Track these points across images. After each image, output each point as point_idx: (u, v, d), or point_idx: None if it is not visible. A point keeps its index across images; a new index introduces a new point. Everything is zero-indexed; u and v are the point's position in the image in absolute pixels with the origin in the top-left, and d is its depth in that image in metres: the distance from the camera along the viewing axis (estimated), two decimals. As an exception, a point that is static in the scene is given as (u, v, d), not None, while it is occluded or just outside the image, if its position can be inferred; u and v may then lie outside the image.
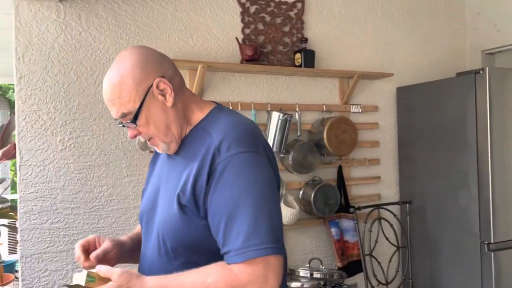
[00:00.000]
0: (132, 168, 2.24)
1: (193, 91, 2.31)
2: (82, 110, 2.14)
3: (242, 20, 2.54)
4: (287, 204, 2.56)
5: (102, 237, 1.23)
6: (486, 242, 2.40)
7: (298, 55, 2.59)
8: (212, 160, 1.01)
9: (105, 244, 1.20)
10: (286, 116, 2.49)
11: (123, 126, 1.12)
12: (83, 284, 1.01)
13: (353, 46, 2.90)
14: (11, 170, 5.35)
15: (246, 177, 1.00)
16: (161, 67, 1.10)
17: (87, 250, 1.19)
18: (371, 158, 2.92)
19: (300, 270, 2.42)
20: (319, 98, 2.75)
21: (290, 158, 2.52)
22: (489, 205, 2.38)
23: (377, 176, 2.95)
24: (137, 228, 1.38)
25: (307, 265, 2.49)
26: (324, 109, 2.73)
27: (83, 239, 1.21)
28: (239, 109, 2.48)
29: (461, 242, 2.55)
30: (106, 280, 1.02)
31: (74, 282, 1.03)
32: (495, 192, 2.39)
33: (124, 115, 1.09)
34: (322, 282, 2.35)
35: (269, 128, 2.50)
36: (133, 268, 1.13)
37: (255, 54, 2.43)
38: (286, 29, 2.66)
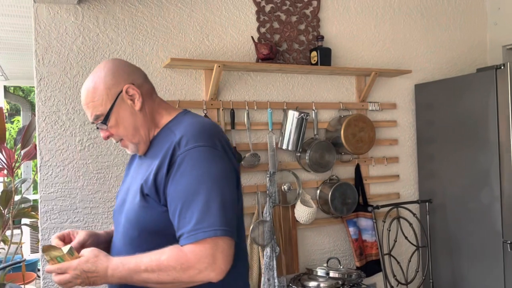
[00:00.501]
0: (150, 168, 2.25)
1: (209, 91, 2.33)
2: (100, 110, 2.17)
3: (258, 19, 2.53)
4: (304, 203, 2.54)
5: (76, 230, 1.35)
6: (509, 241, 2.34)
7: (314, 53, 2.57)
8: (172, 153, 1.13)
9: (80, 236, 1.31)
10: (302, 114, 2.48)
11: (97, 128, 1.25)
12: (60, 254, 1.14)
13: (370, 43, 2.87)
14: (33, 170, 5.47)
15: (201, 168, 1.10)
16: (131, 76, 1.25)
17: (62, 241, 1.29)
18: (389, 156, 2.88)
19: (317, 270, 2.41)
20: (336, 96, 2.73)
21: (307, 157, 2.51)
22: (512, 204, 2.32)
23: (395, 174, 2.91)
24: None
25: (325, 265, 2.48)
26: (341, 107, 2.71)
27: (59, 232, 1.34)
28: (255, 108, 2.48)
29: (483, 241, 2.50)
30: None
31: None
32: (518, 190, 2.33)
33: (97, 117, 1.23)
34: (340, 282, 2.33)
35: (285, 127, 2.49)
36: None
37: (271, 53, 2.42)
38: (302, 27, 2.65)
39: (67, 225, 2.09)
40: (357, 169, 2.75)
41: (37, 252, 4.36)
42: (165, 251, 1.09)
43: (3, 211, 2.57)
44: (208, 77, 2.35)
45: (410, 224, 2.66)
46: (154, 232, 1.17)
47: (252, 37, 2.48)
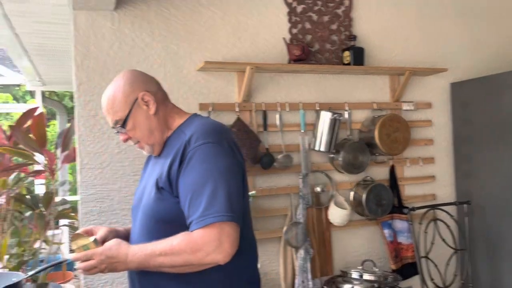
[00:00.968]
0: (184, 170, 2.28)
1: (241, 93, 2.34)
2: (136, 114, 2.21)
3: (289, 20, 2.53)
4: (338, 205, 2.52)
5: (98, 226, 1.45)
6: (555, 245, 2.25)
7: (346, 53, 2.55)
8: (184, 149, 1.25)
9: (101, 232, 1.41)
10: (335, 115, 2.46)
11: (117, 132, 1.39)
12: (86, 242, 1.27)
13: (403, 42, 2.81)
14: (69, 173, 5.65)
15: (209, 162, 1.22)
16: (146, 84, 1.39)
17: (88, 232, 1.39)
18: (425, 157, 2.82)
19: (352, 272, 2.38)
20: (369, 96, 2.69)
21: (340, 158, 2.48)
22: (558, 206, 2.23)
23: (431, 175, 2.84)
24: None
25: (360, 267, 2.44)
26: (375, 107, 2.67)
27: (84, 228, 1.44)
28: (287, 110, 2.47)
29: (526, 244, 2.41)
30: None
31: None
32: None
33: (116, 122, 1.36)
34: (376, 285, 2.29)
35: (318, 128, 2.48)
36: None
37: (303, 54, 2.41)
38: (334, 27, 2.63)
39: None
40: (392, 170, 2.70)
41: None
42: (177, 237, 1.20)
43: (45, 212, 2.66)
44: (241, 79, 2.36)
45: (448, 227, 2.59)
46: (168, 222, 1.28)
47: (284, 38, 2.47)
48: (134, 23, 2.23)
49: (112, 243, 1.27)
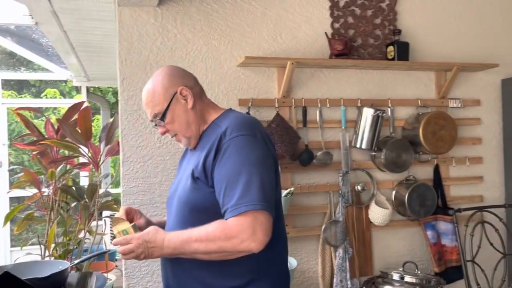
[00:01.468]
0: (223, 165, 2.29)
1: (281, 88, 2.32)
2: (177, 109, 2.24)
3: (331, 15, 2.48)
4: (379, 204, 2.45)
5: (140, 213, 1.51)
6: None
7: (390, 48, 2.47)
8: (219, 141, 1.29)
9: (140, 220, 1.48)
10: (378, 112, 2.39)
11: (156, 125, 1.44)
12: (126, 226, 1.33)
13: (451, 36, 2.70)
14: (111, 166, 5.82)
15: (243, 154, 1.25)
16: (184, 79, 1.44)
17: (128, 214, 1.47)
18: (472, 157, 2.69)
19: (393, 273, 2.31)
20: (414, 93, 2.60)
21: (382, 156, 2.42)
22: None
23: (479, 176, 2.72)
24: (165, 218, 1.61)
25: (401, 269, 2.37)
26: (419, 104, 2.57)
27: (128, 206, 1.51)
28: (328, 106, 2.43)
29: None
30: None
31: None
32: None
33: (155, 115, 1.41)
34: (418, 287, 2.22)
35: (360, 124, 2.42)
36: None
37: (345, 49, 2.36)
38: (378, 21, 2.55)
39: (146, 219, 2.17)
40: (436, 170, 2.60)
41: (115, 243, 4.61)
42: (212, 224, 1.24)
43: (89, 204, 2.75)
44: (281, 74, 2.34)
45: (496, 230, 2.47)
46: (202, 211, 1.31)
47: (325, 33, 2.43)
48: (176, 19, 2.26)
49: (150, 229, 1.31)
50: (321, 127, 2.41)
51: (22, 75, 5.70)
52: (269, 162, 1.30)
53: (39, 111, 3.84)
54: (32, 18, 2.90)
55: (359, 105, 2.46)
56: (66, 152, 2.87)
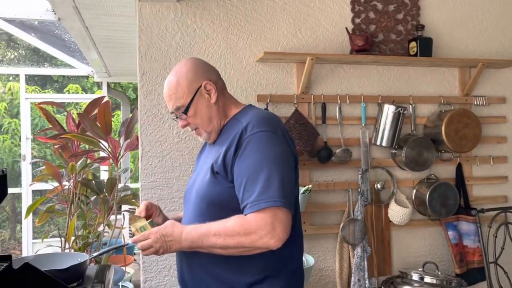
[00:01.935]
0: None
1: (300, 84, 2.29)
2: (196, 104, 2.24)
3: (352, 10, 2.44)
4: (399, 203, 2.41)
5: (159, 210, 1.52)
6: None
7: (413, 44, 2.42)
8: (240, 136, 1.28)
9: (159, 218, 1.49)
10: (399, 109, 2.35)
11: (177, 117, 1.43)
12: (144, 223, 1.34)
13: (476, 32, 2.62)
14: (130, 161, 5.89)
15: (264, 150, 1.25)
16: (208, 73, 1.42)
17: (149, 209, 1.48)
18: (496, 156, 2.62)
19: (412, 274, 2.28)
20: (436, 90, 2.54)
21: (403, 154, 2.37)
22: None
23: (503, 175, 2.64)
24: (181, 213, 1.62)
25: (421, 269, 2.33)
26: (442, 102, 2.51)
27: (148, 201, 1.51)
28: (348, 102, 2.40)
29: None
30: None
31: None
32: None
33: (177, 108, 1.40)
34: (438, 289, 2.17)
35: (380, 121, 2.38)
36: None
37: (366, 44, 2.32)
38: (400, 16, 2.50)
39: (164, 213, 2.19)
40: (459, 169, 2.54)
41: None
42: (231, 218, 1.23)
43: (108, 197, 2.78)
44: (300, 70, 2.31)
45: (521, 231, 2.40)
46: (220, 205, 1.31)
47: (346, 28, 2.39)
48: (196, 14, 2.25)
49: (167, 223, 1.31)
50: (341, 123, 2.38)
51: (46, 70, 5.81)
52: (289, 159, 1.30)
53: (61, 106, 3.91)
54: (55, 13, 2.94)
55: (379, 101, 2.42)
56: (87, 146, 2.90)
